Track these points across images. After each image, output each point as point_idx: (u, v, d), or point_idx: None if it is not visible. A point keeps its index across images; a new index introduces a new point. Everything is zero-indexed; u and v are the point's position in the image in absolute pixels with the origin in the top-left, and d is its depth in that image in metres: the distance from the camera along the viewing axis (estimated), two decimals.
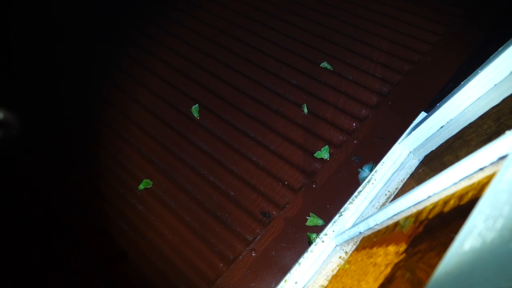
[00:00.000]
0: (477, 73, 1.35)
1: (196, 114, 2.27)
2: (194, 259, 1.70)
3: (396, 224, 1.59)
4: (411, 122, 1.99)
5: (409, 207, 0.99)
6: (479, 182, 0.81)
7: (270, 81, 2.44)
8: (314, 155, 2.03)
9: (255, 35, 2.79)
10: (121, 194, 1.94)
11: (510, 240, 0.40)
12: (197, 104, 2.32)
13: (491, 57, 1.31)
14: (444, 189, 0.86)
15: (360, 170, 1.92)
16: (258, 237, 1.76)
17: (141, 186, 1.95)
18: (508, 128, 1.19)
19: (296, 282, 1.51)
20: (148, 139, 2.17)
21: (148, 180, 1.98)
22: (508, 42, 1.23)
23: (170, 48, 2.79)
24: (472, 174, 0.78)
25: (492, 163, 0.72)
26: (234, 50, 2.69)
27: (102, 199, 1.92)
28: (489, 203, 0.53)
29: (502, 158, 0.69)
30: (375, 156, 1.97)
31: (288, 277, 1.53)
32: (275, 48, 2.67)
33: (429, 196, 0.91)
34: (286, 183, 1.94)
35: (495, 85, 1.24)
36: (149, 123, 2.26)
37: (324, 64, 2.50)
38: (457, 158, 1.42)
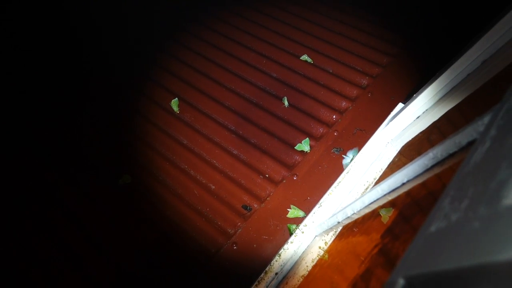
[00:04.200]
0: (451, 63, 1.36)
1: (175, 108, 2.23)
2: (176, 253, 1.68)
3: (375, 213, 1.61)
4: (389, 114, 2.01)
5: (384, 195, 0.99)
6: (450, 167, 0.82)
7: (251, 75, 2.42)
8: (295, 147, 2.03)
9: (235, 28, 2.76)
10: (102, 187, 1.89)
11: (474, 219, 0.40)
12: (176, 98, 2.28)
13: (466, 46, 1.32)
14: (418, 176, 0.87)
15: (344, 156, 1.93)
16: (240, 230, 1.75)
17: (121, 181, 1.91)
18: (480, 115, 1.21)
19: (276, 273, 1.51)
20: (129, 134, 2.13)
21: (127, 176, 1.94)
22: (481, 32, 1.24)
23: None
24: (443, 160, 0.79)
25: (462, 149, 0.73)
26: (214, 43, 2.66)
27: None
28: (456, 186, 0.53)
29: (471, 143, 0.70)
30: (354, 147, 1.98)
31: (268, 268, 1.53)
32: (256, 41, 2.66)
33: (403, 183, 0.91)
34: (267, 175, 1.93)
35: (468, 74, 1.26)
36: (129, 118, 2.22)
37: (305, 57, 2.50)
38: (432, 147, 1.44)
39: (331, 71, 2.43)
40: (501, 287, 0.33)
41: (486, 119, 0.65)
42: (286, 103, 2.24)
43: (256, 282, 1.51)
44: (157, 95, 2.34)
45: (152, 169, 1.97)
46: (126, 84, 2.41)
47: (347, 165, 1.85)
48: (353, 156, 1.89)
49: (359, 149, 1.88)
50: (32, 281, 1.61)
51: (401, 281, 0.47)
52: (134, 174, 1.95)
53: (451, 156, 0.76)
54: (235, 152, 2.03)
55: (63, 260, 1.66)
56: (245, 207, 1.82)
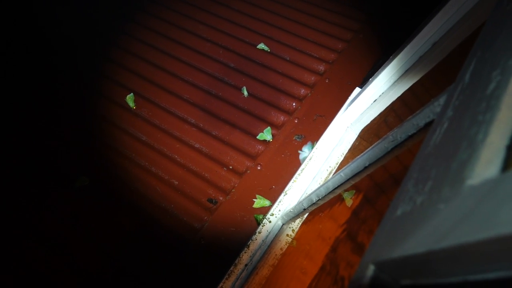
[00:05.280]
0: (404, 47, 1.40)
1: (131, 104, 2.14)
2: (142, 254, 1.63)
3: (339, 197, 1.64)
4: (347, 98, 2.05)
5: (348, 179, 1.01)
6: (409, 149, 0.84)
7: (208, 65, 2.37)
8: (257, 137, 2.02)
9: (189, 18, 2.68)
10: (57, 194, 1.79)
11: (438, 201, 0.40)
12: (132, 93, 2.19)
13: (416, 30, 1.36)
14: (379, 159, 0.88)
15: (300, 151, 1.94)
16: (206, 224, 1.72)
17: (78, 183, 1.82)
18: (432, 97, 1.26)
19: (245, 265, 1.50)
20: (83, 134, 2.02)
21: (84, 177, 1.84)
22: (430, 14, 1.28)
23: None
24: (403, 142, 0.80)
25: (420, 130, 0.74)
26: (168, 34, 2.57)
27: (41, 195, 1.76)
28: (418, 168, 0.54)
29: (428, 124, 0.71)
30: (315, 134, 2.01)
31: (237, 260, 1.52)
32: (210, 31, 2.60)
33: (365, 167, 0.93)
34: (230, 167, 1.91)
35: (420, 57, 1.30)
36: (80, 117, 2.10)
37: (261, 46, 2.48)
38: (390, 130, 1.48)
39: (288, 58, 2.43)
40: (470, 267, 0.33)
41: (441, 100, 0.66)
42: (245, 93, 2.22)
43: (227, 276, 1.49)
44: (110, 91, 2.23)
45: (110, 168, 1.89)
46: (75, 81, 2.27)
47: (303, 160, 1.87)
48: (309, 151, 1.91)
49: (320, 135, 1.90)
50: None
51: (371, 267, 0.47)
52: (92, 175, 1.86)
53: (410, 137, 0.78)
54: (196, 145, 1.99)
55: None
56: (210, 200, 1.79)
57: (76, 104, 2.15)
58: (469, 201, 0.35)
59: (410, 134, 0.77)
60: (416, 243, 0.38)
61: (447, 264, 0.34)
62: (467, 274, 0.34)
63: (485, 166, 0.37)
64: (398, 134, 0.82)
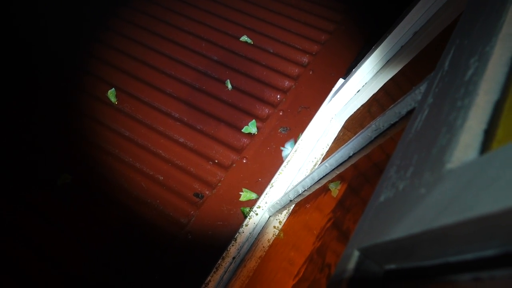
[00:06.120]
0: (385, 37, 1.41)
1: (113, 99, 2.11)
2: (128, 251, 1.62)
3: (325, 188, 1.66)
4: (331, 90, 2.06)
5: (333, 169, 1.02)
6: (391, 138, 0.85)
7: (190, 59, 2.35)
8: (242, 130, 2.01)
9: (170, 11, 2.65)
10: (38, 192, 1.75)
11: (420, 186, 0.41)
12: (113, 88, 2.15)
13: (397, 19, 1.37)
14: (363, 148, 0.90)
15: (282, 148, 1.95)
16: (193, 218, 1.72)
17: (60, 181, 1.78)
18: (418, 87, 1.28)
19: (233, 258, 1.51)
20: (64, 130, 1.98)
21: (66, 174, 1.81)
22: (411, 4, 1.29)
23: None
24: (385, 131, 0.82)
25: (402, 118, 0.75)
26: (148, 27, 2.53)
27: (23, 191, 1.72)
28: (400, 154, 0.54)
29: (410, 112, 0.72)
30: (300, 125, 2.02)
31: (225, 254, 1.52)
32: (192, 23, 2.57)
33: (350, 156, 0.94)
34: (216, 161, 1.91)
35: (402, 46, 1.31)
36: (60, 113, 2.06)
37: (244, 38, 2.47)
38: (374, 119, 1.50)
39: (271, 51, 2.42)
40: (450, 249, 0.34)
41: (422, 87, 0.67)
42: (229, 86, 2.21)
43: (214, 269, 1.50)
44: (91, 87, 2.18)
45: (93, 165, 1.86)
46: (54, 76, 2.22)
47: (286, 156, 1.88)
48: (291, 148, 1.91)
49: (305, 127, 1.91)
50: None
51: (356, 253, 0.48)
52: (74, 173, 1.83)
53: (392, 126, 0.79)
54: (181, 140, 1.98)
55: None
56: (196, 195, 1.79)
57: (56, 99, 2.11)
58: (449, 184, 0.35)
59: (392, 122, 0.78)
60: (398, 227, 0.39)
61: (428, 246, 0.35)
62: (448, 255, 0.35)
63: (464, 150, 0.38)
64: (381, 123, 0.83)
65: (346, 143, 0.97)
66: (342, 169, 1.02)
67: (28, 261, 1.58)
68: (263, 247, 1.53)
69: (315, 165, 1.76)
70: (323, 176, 1.09)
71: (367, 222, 0.49)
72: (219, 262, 1.51)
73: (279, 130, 2.01)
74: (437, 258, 0.36)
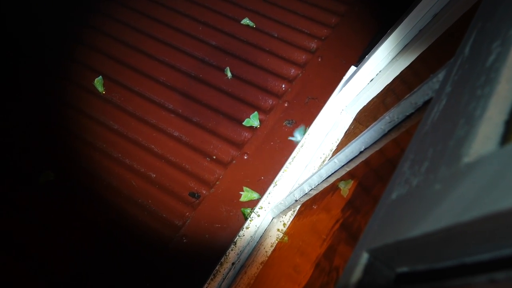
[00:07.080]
0: (402, 19, 1.41)
1: (100, 88, 2.12)
2: (117, 255, 1.64)
3: (334, 187, 1.66)
4: (342, 78, 2.06)
5: (342, 166, 1.03)
6: (407, 131, 0.86)
7: (186, 44, 2.36)
8: (243, 123, 2.02)
9: None
10: (18, 191, 1.77)
11: (435, 181, 0.42)
12: (100, 76, 2.16)
13: (414, 1, 1.37)
14: (375, 142, 0.90)
15: (290, 138, 1.96)
16: (189, 220, 1.74)
17: (42, 179, 1.80)
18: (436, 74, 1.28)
19: (233, 264, 1.52)
20: (45, 122, 1.99)
21: (49, 172, 1.83)
22: None
23: None
24: (400, 123, 0.82)
25: (419, 109, 0.76)
26: (139, 9, 2.54)
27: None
28: (415, 148, 0.55)
29: (427, 102, 0.73)
30: (307, 118, 2.02)
31: (223, 259, 1.54)
32: (188, 4, 2.57)
33: (361, 152, 0.95)
34: (214, 157, 1.92)
35: (420, 30, 1.32)
36: (41, 104, 2.07)
37: (246, 21, 2.47)
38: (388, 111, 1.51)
39: (276, 35, 2.42)
40: (469, 247, 0.35)
41: (440, 75, 0.68)
42: (229, 74, 2.21)
43: (212, 276, 1.51)
44: (75, 74, 2.20)
45: (78, 161, 1.88)
46: (36, 64, 2.24)
47: (298, 142, 1.88)
48: (301, 136, 1.92)
49: (312, 120, 1.92)
50: None
51: (365, 255, 0.49)
52: (57, 170, 1.84)
53: (408, 117, 0.79)
54: (175, 134, 1.99)
55: None
56: (192, 194, 1.80)
57: (37, 89, 2.12)
58: (467, 180, 0.36)
59: (408, 114, 0.79)
60: (413, 226, 0.40)
61: (445, 245, 0.36)
62: (464, 256, 0.36)
63: (483, 143, 0.39)
64: (395, 114, 0.83)
65: (357, 137, 0.98)
66: (352, 165, 1.03)
67: (6, 263, 1.60)
68: (266, 252, 1.55)
69: (323, 162, 1.77)
70: (332, 173, 1.10)
71: (377, 222, 0.50)
72: (217, 268, 1.53)
73: (284, 123, 2.02)
74: (452, 259, 0.37)
